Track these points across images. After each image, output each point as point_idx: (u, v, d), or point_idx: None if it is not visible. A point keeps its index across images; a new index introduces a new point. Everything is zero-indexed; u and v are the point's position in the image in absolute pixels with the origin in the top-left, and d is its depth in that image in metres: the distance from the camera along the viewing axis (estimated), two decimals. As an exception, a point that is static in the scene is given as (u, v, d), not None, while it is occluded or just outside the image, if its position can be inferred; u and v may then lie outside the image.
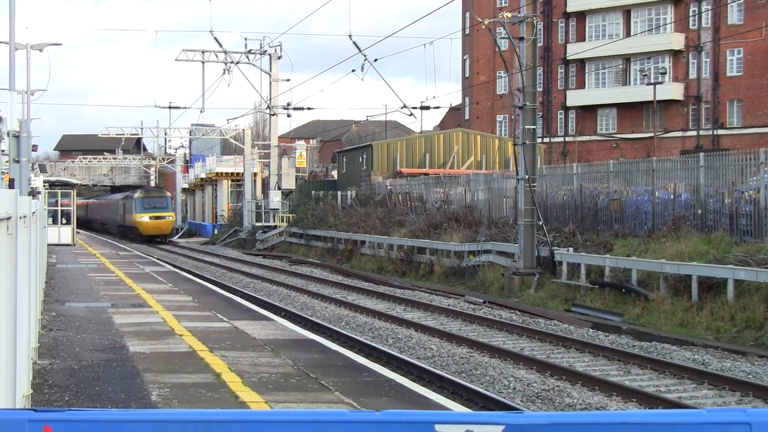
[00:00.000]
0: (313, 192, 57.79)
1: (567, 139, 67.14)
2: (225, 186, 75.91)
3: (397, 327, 20.97)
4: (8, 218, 6.49)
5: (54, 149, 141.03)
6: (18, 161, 21.60)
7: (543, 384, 14.45)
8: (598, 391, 14.05)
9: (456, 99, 79.75)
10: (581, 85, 66.73)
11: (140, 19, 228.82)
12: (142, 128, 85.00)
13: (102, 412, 3.44)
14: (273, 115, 58.24)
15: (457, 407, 10.92)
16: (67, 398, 10.39)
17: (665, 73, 60.40)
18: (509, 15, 29.18)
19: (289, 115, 57.82)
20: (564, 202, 31.43)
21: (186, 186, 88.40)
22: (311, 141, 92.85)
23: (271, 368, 12.30)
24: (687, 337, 19.65)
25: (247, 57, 55.91)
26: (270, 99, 56.83)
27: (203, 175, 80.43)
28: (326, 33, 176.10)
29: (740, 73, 58.74)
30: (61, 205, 49.75)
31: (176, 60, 57.12)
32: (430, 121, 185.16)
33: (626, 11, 64.52)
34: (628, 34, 63.39)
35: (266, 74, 56.73)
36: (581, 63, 65.58)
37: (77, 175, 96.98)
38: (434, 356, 17.20)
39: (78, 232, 58.75)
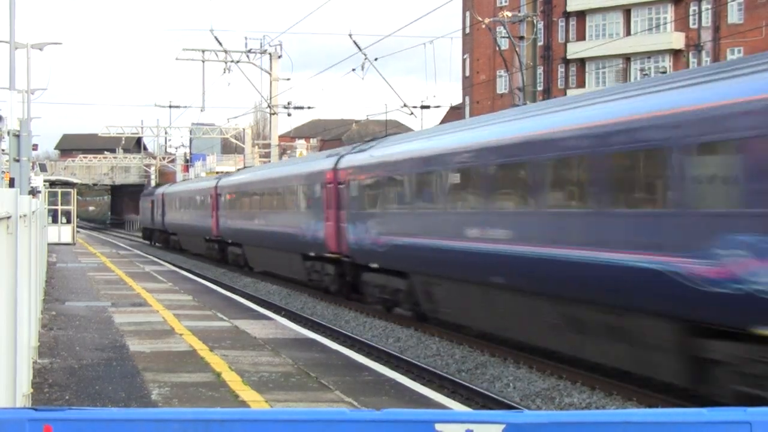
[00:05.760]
0: None
1: (567, 138, 67.09)
2: (225, 185, 75.84)
3: (397, 326, 20.96)
4: (8, 217, 6.48)
5: (54, 148, 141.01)
6: (18, 160, 21.62)
7: (543, 383, 14.44)
8: (598, 390, 14.03)
9: (456, 98, 79.79)
10: (581, 84, 66.66)
11: (140, 18, 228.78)
12: (142, 127, 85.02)
13: (102, 411, 3.44)
14: (273, 114, 58.19)
15: (457, 406, 10.92)
16: (67, 397, 10.40)
17: (665, 73, 60.36)
18: (509, 14, 29.21)
19: (289, 114, 57.79)
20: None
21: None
22: (311, 140, 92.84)
23: (271, 367, 12.31)
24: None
25: (248, 56, 55.84)
26: (270, 98, 56.78)
27: (204, 174, 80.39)
28: (326, 32, 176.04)
29: (740, 73, 58.71)
30: (62, 204, 49.68)
31: (176, 59, 57.20)
32: (431, 120, 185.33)
33: (626, 10, 64.49)
34: (628, 33, 63.36)
35: (266, 73, 56.67)
36: (581, 62, 65.57)
37: (77, 175, 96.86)
38: (434, 355, 17.19)
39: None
